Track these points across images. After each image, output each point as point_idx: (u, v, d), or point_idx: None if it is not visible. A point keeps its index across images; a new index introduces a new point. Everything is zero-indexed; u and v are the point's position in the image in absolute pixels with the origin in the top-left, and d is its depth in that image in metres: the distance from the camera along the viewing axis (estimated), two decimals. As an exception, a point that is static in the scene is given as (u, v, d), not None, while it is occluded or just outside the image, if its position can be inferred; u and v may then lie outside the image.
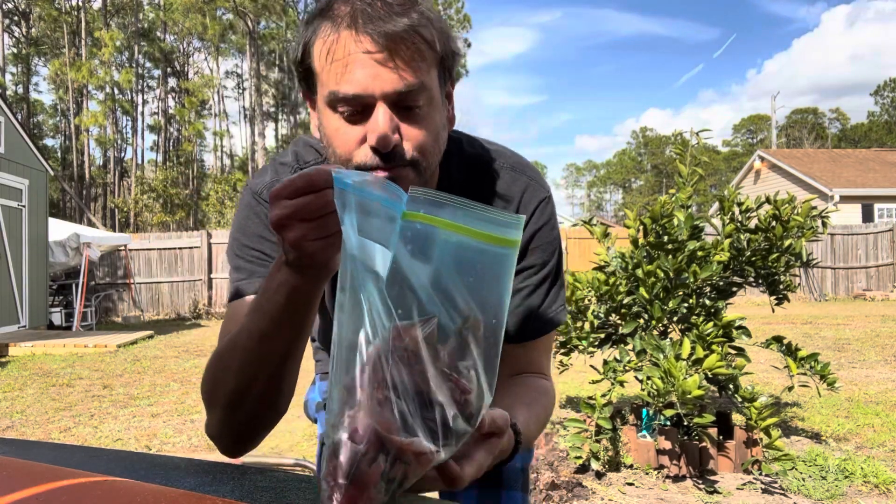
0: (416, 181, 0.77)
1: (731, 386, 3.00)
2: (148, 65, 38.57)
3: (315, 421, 1.26)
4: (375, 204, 0.53)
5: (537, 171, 0.98)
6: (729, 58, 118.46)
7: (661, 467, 3.07)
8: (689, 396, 2.58)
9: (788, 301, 3.42)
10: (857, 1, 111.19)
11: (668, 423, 3.22)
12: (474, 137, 0.99)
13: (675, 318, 3.17)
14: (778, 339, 3.17)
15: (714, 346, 2.89)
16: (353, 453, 0.49)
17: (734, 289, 3.35)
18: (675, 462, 3.03)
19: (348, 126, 0.75)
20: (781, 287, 3.36)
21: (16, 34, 36.78)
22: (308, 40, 0.77)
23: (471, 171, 0.94)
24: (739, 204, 3.29)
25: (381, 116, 0.72)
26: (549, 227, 0.95)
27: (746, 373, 3.08)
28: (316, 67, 0.76)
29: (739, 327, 3.02)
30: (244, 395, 0.74)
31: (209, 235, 13.62)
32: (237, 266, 0.92)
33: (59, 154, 38.75)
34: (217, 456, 3.39)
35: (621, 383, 3.00)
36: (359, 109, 0.74)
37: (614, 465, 3.11)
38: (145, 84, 39.47)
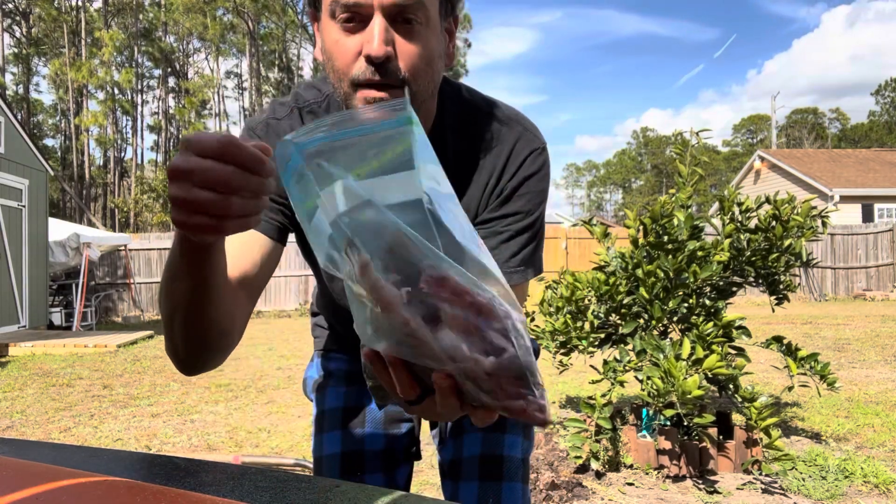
0: None
1: (731, 386, 3.00)
2: (148, 64, 38.58)
3: (312, 400, 1.24)
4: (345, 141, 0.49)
5: (534, 124, 0.99)
6: (729, 58, 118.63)
7: (661, 467, 3.07)
8: (689, 396, 2.58)
9: (788, 301, 3.42)
10: (858, 1, 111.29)
11: (668, 423, 3.22)
12: (475, 89, 1.00)
13: (675, 318, 3.17)
14: (778, 339, 3.17)
15: (714, 346, 2.89)
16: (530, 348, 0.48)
17: (734, 289, 3.35)
18: (675, 462, 3.03)
19: (346, 37, 0.77)
20: (781, 287, 3.36)
21: (16, 34, 36.77)
22: None
23: (466, 116, 0.95)
24: (739, 204, 3.29)
25: (377, 26, 0.75)
26: (538, 176, 0.95)
27: (746, 373, 3.08)
28: None
29: (739, 327, 3.02)
30: (173, 323, 0.75)
31: (209, 235, 13.63)
32: None
33: (59, 154, 38.74)
34: (217, 456, 3.38)
35: (621, 383, 3.00)
36: (357, 19, 0.76)
37: (614, 465, 3.11)
38: (145, 84, 39.49)
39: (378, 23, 0.75)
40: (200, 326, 0.75)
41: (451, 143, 0.94)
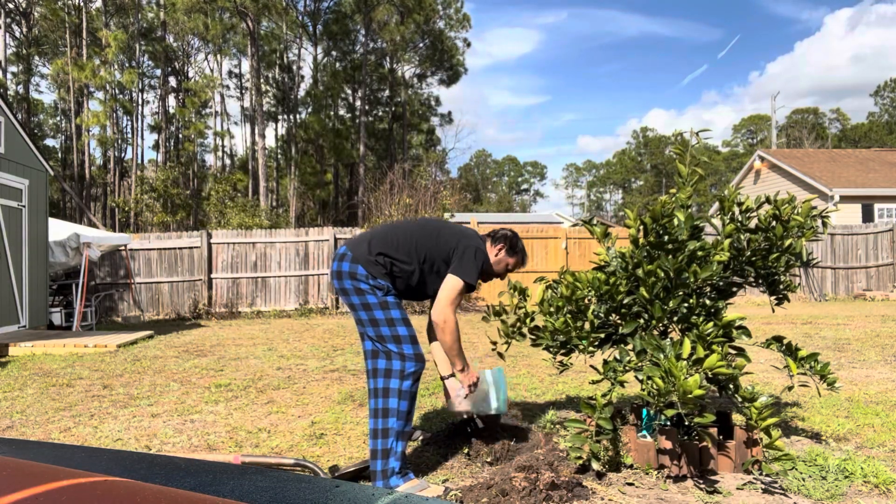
0: None
1: (731, 386, 2.99)
2: (149, 63, 38.55)
3: (396, 312, 3.00)
4: None
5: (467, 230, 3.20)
6: (732, 60, 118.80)
7: (661, 467, 3.07)
8: (690, 396, 2.58)
9: (788, 301, 3.42)
10: (860, 4, 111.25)
11: (669, 423, 3.22)
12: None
13: (675, 318, 3.17)
14: (778, 339, 3.16)
15: (714, 346, 2.88)
16: None
17: (734, 289, 3.35)
18: (675, 462, 3.03)
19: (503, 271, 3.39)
20: (781, 287, 3.36)
21: (17, 34, 36.75)
22: None
23: None
24: (739, 204, 3.29)
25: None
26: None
27: (746, 373, 3.08)
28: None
29: (739, 327, 3.02)
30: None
31: (209, 235, 13.61)
32: (474, 278, 3.02)
33: (59, 154, 38.72)
34: (217, 456, 3.38)
35: (621, 383, 3.00)
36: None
37: (614, 465, 3.10)
38: (146, 84, 39.47)
39: None
40: None
41: None
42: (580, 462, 3.02)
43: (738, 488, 2.87)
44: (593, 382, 3.14)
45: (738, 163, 54.04)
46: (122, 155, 38.79)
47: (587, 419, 3.10)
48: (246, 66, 39.24)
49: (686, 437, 3.15)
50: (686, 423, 3.16)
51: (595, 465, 2.98)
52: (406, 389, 2.84)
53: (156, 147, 40.79)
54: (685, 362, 2.71)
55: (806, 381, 5.05)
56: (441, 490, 2.83)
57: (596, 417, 2.90)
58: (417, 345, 2.91)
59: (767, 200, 3.30)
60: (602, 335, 3.37)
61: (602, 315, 3.36)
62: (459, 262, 3.00)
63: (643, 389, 2.84)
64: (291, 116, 39.46)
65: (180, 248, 13.51)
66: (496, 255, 3.26)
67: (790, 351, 3.08)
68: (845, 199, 18.72)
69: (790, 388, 3.28)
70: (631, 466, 3.12)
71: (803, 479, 2.91)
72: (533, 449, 3.32)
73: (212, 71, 39.87)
